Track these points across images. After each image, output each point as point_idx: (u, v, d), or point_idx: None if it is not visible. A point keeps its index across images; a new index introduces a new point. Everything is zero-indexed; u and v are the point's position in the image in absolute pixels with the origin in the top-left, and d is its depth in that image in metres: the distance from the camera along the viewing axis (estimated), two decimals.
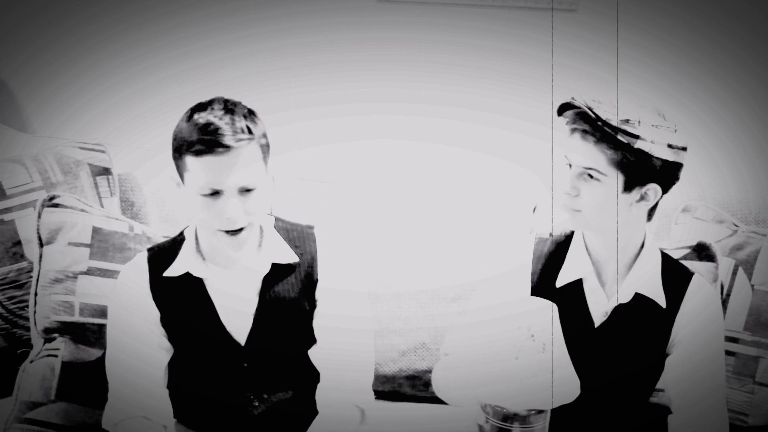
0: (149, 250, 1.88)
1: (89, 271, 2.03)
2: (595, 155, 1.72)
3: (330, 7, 2.43)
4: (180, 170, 1.76)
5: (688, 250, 2.07)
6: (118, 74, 2.52)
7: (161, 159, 2.34)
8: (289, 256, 1.87)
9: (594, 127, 1.70)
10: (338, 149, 2.50)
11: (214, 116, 1.70)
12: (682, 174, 1.77)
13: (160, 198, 2.32)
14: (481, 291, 1.94)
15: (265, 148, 1.78)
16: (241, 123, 1.71)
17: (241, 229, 1.75)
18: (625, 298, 1.83)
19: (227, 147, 1.68)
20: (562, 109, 1.76)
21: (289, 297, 1.87)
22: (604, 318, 1.84)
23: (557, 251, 1.88)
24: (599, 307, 1.84)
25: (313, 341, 1.90)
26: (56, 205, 2.06)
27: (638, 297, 1.83)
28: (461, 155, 2.48)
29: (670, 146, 1.71)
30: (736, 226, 2.20)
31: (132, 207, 2.31)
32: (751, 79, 2.41)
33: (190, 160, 1.71)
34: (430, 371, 2.01)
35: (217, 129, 1.69)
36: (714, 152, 2.44)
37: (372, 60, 2.46)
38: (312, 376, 1.89)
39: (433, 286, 2.24)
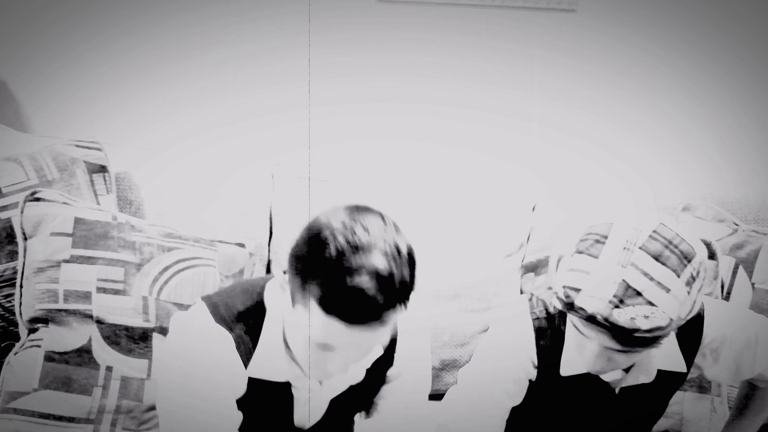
0: None
1: (72, 259, 2.03)
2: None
3: (330, 7, 2.43)
4: None
5: None
6: (118, 74, 2.52)
7: (161, 159, 2.36)
8: None
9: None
10: (338, 149, 2.49)
11: None
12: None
13: (159, 197, 2.32)
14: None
15: None
16: None
17: None
18: (648, 377, 1.70)
19: None
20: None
21: None
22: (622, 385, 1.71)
23: (554, 331, 1.69)
24: (615, 379, 1.71)
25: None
26: (38, 199, 2.07)
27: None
28: (461, 155, 2.48)
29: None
30: (737, 225, 2.20)
31: (130, 205, 2.31)
32: (751, 79, 2.41)
33: None
34: None
35: None
36: (714, 152, 2.44)
37: (372, 60, 2.46)
38: None
39: (433, 285, 2.23)
